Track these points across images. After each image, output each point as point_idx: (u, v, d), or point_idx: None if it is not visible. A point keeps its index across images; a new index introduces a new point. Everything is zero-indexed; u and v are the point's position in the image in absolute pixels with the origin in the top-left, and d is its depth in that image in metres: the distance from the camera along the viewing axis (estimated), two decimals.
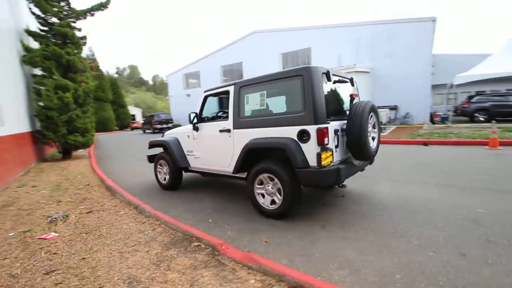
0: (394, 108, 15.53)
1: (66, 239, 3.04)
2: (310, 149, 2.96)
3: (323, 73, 3.10)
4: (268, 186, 3.36)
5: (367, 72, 15.86)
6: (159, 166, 5.12)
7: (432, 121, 14.22)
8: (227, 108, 3.79)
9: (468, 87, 14.91)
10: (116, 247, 2.78)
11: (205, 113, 4.44)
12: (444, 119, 13.66)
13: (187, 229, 3.00)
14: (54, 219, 3.57)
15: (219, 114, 4.63)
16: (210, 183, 5.40)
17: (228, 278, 2.11)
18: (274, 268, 2.09)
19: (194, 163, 4.52)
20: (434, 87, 15.66)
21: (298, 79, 3.07)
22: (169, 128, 22.87)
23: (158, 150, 5.33)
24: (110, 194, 4.90)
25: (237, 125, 3.68)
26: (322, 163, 2.89)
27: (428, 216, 3.16)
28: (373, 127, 3.56)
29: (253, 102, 3.55)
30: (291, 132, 3.09)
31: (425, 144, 8.44)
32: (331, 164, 3.01)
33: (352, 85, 3.84)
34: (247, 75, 21.55)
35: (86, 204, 4.35)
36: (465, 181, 4.42)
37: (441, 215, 3.18)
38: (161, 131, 22.62)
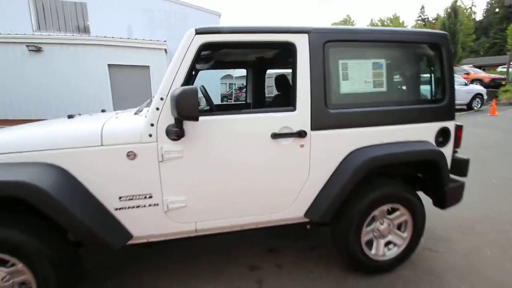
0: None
1: None
2: (447, 156, 2.09)
3: None
4: (381, 224, 2.01)
5: (165, 50, 14.46)
6: None
7: None
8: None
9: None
10: None
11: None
12: None
13: None
14: None
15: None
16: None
17: None
18: None
19: (154, 227, 1.68)
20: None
21: (434, 49, 1.99)
22: None
23: None
24: None
25: (322, 122, 1.78)
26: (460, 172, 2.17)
27: None
28: None
29: (357, 75, 1.86)
30: (426, 132, 2.00)
31: None
32: None
33: None
34: None
35: None
36: None
37: None
38: None
